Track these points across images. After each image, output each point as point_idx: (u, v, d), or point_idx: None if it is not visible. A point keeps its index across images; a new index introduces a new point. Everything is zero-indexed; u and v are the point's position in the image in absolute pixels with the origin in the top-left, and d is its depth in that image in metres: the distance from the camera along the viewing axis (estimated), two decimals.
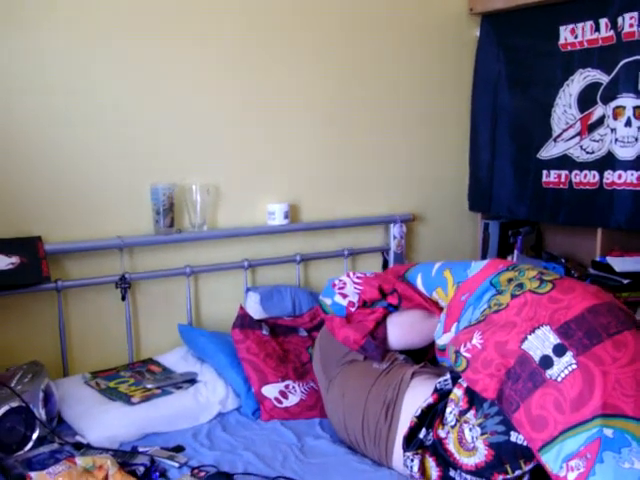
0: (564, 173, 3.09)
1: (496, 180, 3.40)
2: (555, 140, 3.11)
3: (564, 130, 3.07)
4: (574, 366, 1.62)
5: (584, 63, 2.96)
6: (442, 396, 1.90)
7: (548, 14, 3.08)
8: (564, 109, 3.06)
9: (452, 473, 1.77)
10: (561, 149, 3.10)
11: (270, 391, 2.34)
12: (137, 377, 2.44)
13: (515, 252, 3.43)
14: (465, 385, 1.83)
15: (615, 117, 2.87)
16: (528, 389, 1.67)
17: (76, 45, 2.42)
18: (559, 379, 1.63)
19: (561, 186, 3.11)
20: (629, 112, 2.82)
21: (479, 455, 1.72)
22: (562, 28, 3.03)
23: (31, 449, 1.97)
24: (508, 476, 1.71)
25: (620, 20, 2.81)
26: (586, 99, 2.97)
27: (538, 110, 3.17)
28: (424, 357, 2.29)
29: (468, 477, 1.74)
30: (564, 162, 3.09)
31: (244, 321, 2.51)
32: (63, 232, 2.45)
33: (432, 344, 2.25)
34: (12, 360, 2.27)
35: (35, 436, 1.99)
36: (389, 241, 3.25)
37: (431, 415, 1.87)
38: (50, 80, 2.39)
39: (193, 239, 2.71)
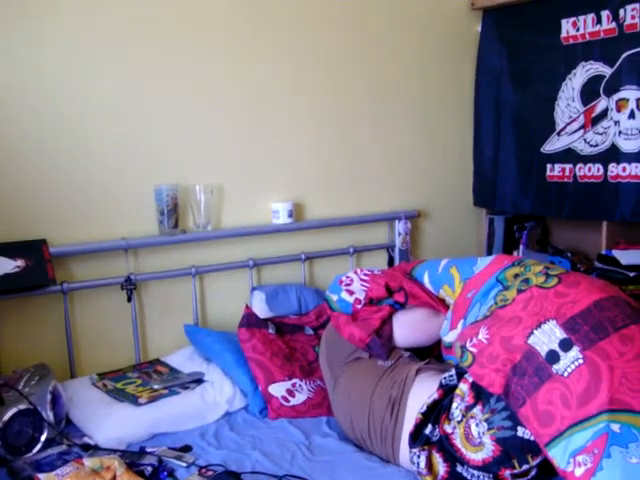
0: (568, 167, 3.08)
1: (500, 175, 3.39)
2: (559, 134, 3.10)
3: (568, 123, 3.06)
4: (580, 361, 1.63)
5: (586, 56, 2.95)
6: (447, 391, 1.90)
7: (549, 7, 3.07)
8: (567, 102, 3.05)
9: (459, 469, 1.77)
10: (565, 143, 3.09)
11: (277, 390, 2.34)
12: (144, 378, 2.44)
13: (521, 247, 3.43)
14: (471, 380, 1.83)
15: (618, 109, 2.86)
16: (534, 384, 1.67)
17: (78, 46, 2.43)
18: (565, 374, 1.63)
19: (565, 180, 3.09)
20: (632, 104, 2.81)
21: (486, 450, 1.72)
22: (564, 21, 3.01)
23: (39, 451, 1.98)
24: (515, 471, 1.71)
25: (622, 12, 2.80)
26: (589, 92, 2.96)
27: (541, 104, 3.16)
28: (429, 354, 2.29)
29: (475, 472, 1.74)
30: (568, 156, 3.08)
31: (250, 320, 2.51)
32: (68, 234, 2.45)
33: (438, 341, 2.25)
34: (19, 363, 2.28)
35: (43, 438, 2.00)
36: (394, 238, 3.24)
37: (437, 411, 1.87)
38: (53, 83, 2.40)
39: (198, 239, 2.72)
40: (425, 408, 1.89)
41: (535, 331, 1.74)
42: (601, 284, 1.87)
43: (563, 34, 3.03)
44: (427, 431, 1.85)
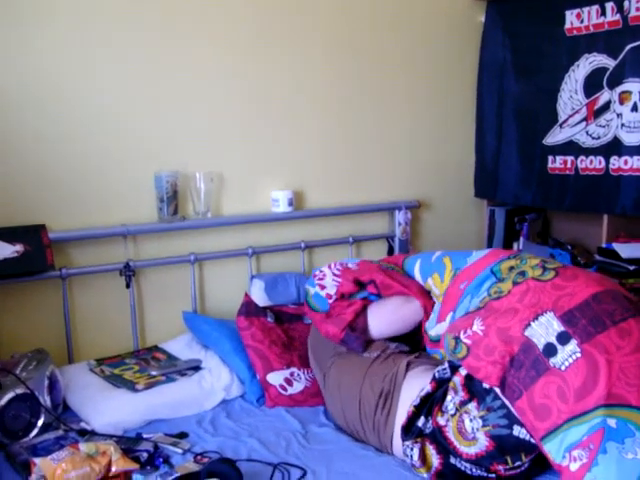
0: (570, 159, 3.07)
1: (502, 166, 3.38)
2: (561, 126, 3.09)
3: (570, 116, 3.05)
4: (578, 354, 1.62)
5: (590, 48, 2.93)
6: (440, 384, 1.90)
7: None
8: (570, 94, 3.03)
9: (453, 460, 1.77)
10: (567, 135, 3.08)
11: (275, 378, 2.34)
12: (142, 364, 2.45)
13: (521, 239, 3.42)
14: (464, 373, 1.82)
15: (621, 102, 2.84)
16: (531, 377, 1.66)
17: (79, 36, 2.42)
18: (563, 368, 1.62)
19: (567, 172, 3.08)
20: (635, 97, 2.79)
21: (479, 445, 1.72)
22: (568, 13, 2.99)
23: (36, 436, 1.99)
24: (507, 466, 1.71)
25: (626, 4, 2.77)
26: (592, 84, 2.94)
27: (544, 96, 3.14)
28: (418, 346, 2.27)
29: (468, 465, 1.75)
30: (570, 148, 3.06)
31: (249, 308, 2.51)
32: (67, 220, 2.46)
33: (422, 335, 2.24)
34: (17, 348, 2.29)
35: (40, 423, 2.01)
36: (394, 228, 3.24)
37: (429, 403, 1.87)
38: (54, 70, 2.39)
39: (197, 227, 2.72)
40: (418, 401, 1.88)
41: (532, 323, 1.72)
42: (599, 277, 1.87)
43: (567, 25, 3.01)
44: (420, 423, 1.85)
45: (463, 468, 1.76)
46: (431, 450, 1.81)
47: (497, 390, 1.74)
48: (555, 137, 3.13)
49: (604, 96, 2.91)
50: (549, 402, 1.61)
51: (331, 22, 2.98)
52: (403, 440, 1.86)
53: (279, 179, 2.93)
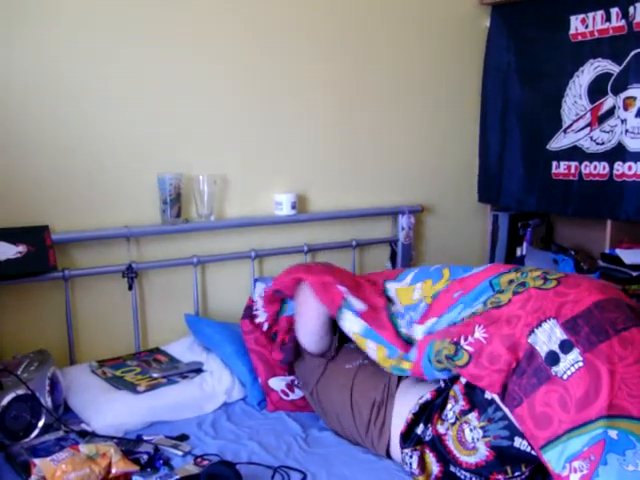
0: (574, 164, 3.07)
1: (505, 171, 3.38)
2: (565, 131, 3.09)
3: (574, 121, 3.05)
4: (580, 364, 1.60)
5: (595, 53, 2.93)
6: (440, 392, 1.88)
7: (558, 4, 3.05)
8: (574, 100, 3.03)
9: (452, 469, 1.76)
10: (571, 140, 3.07)
11: (277, 384, 2.34)
12: (143, 366, 2.45)
13: (524, 244, 3.42)
14: (464, 381, 1.80)
15: (626, 108, 2.84)
16: (532, 385, 1.64)
17: (84, 39, 2.42)
18: (565, 377, 1.60)
19: (571, 177, 3.08)
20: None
21: (479, 455, 1.71)
22: (572, 18, 2.99)
23: (37, 436, 1.99)
24: (507, 476, 1.70)
25: (632, 9, 2.77)
26: (596, 90, 2.94)
27: (548, 101, 3.15)
28: None
29: (467, 474, 1.74)
30: (574, 153, 3.06)
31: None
32: (70, 221, 2.46)
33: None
34: (19, 348, 2.29)
35: (41, 424, 2.01)
36: (397, 232, 3.24)
37: (428, 410, 1.86)
38: (58, 72, 2.39)
39: (200, 229, 2.71)
40: (417, 408, 1.87)
41: (536, 329, 1.69)
42: (602, 285, 1.84)
43: (572, 31, 3.01)
44: (419, 431, 1.84)
45: (462, 477, 1.75)
46: (431, 458, 1.80)
47: (496, 398, 1.72)
48: (559, 142, 3.12)
49: (608, 102, 2.91)
50: (550, 411, 1.60)
51: (333, 26, 2.98)
52: (402, 447, 1.85)
53: (282, 182, 2.93)
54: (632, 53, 2.80)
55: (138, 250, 2.61)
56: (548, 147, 3.17)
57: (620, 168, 2.88)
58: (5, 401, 1.94)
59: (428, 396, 1.89)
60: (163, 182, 2.56)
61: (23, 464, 1.80)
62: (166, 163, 2.62)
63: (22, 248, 2.28)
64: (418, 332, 2.02)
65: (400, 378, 2.02)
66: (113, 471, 1.71)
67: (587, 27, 2.95)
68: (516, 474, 1.70)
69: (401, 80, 3.21)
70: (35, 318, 2.43)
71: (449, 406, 1.81)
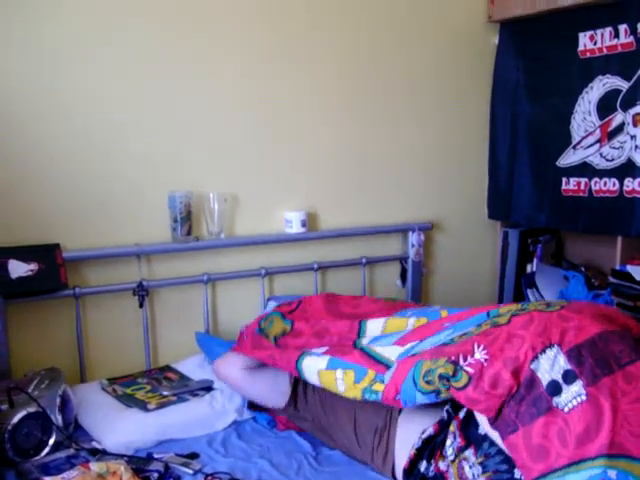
0: (584, 181, 3.06)
1: (515, 188, 3.38)
2: (574, 147, 3.09)
3: (583, 137, 3.05)
4: (583, 397, 1.53)
5: (603, 70, 2.94)
6: (443, 427, 1.83)
7: (567, 21, 3.06)
8: (583, 116, 3.03)
9: None
10: (580, 156, 3.07)
11: None
12: (154, 384, 2.45)
13: (535, 260, 3.41)
14: (461, 416, 1.75)
15: (635, 124, 2.84)
16: (531, 414, 1.57)
17: (94, 55, 2.45)
18: (566, 409, 1.54)
19: (581, 194, 3.08)
20: None
21: None
22: (581, 35, 3.00)
23: (48, 454, 1.98)
24: None
25: None
26: (606, 106, 2.94)
27: (557, 117, 3.15)
28: None
29: None
30: (584, 170, 3.06)
31: None
32: (81, 239, 2.47)
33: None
34: (30, 366, 2.29)
35: (52, 441, 2.00)
36: (407, 249, 3.23)
37: (431, 446, 1.81)
38: (67, 91, 2.42)
39: (210, 247, 2.72)
40: (420, 443, 1.83)
41: (540, 355, 1.61)
42: (606, 313, 1.77)
43: (580, 47, 3.02)
44: (422, 467, 1.80)
45: None
46: None
47: (485, 421, 1.65)
48: (569, 159, 3.12)
49: (618, 118, 2.91)
50: (547, 444, 1.53)
51: (344, 45, 3.00)
52: None
53: (292, 200, 2.94)
54: None
55: (149, 268, 2.61)
56: (558, 163, 3.17)
57: (630, 184, 2.88)
58: (16, 419, 1.93)
59: (431, 430, 1.83)
60: (174, 200, 2.57)
61: None
62: (177, 181, 2.64)
63: (33, 266, 2.29)
64: (395, 353, 1.92)
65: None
66: None
67: (596, 44, 2.96)
68: None
69: (410, 98, 3.22)
70: (46, 336, 2.44)
71: (448, 442, 1.76)
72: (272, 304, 2.76)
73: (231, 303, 2.83)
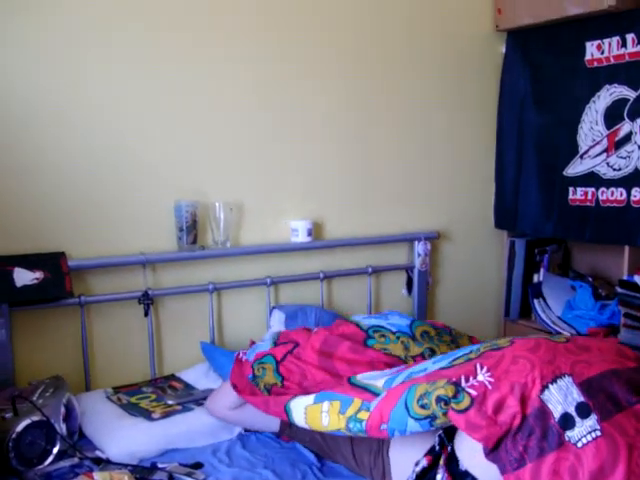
0: (591, 190, 3.05)
1: (522, 197, 3.36)
2: (581, 157, 3.08)
3: (590, 147, 3.03)
4: (598, 433, 1.44)
5: (611, 79, 2.92)
6: (436, 459, 1.72)
7: (574, 30, 3.06)
8: (590, 126, 3.02)
9: None
10: (587, 166, 3.06)
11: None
12: (159, 393, 2.44)
13: (541, 270, 3.39)
14: (449, 449, 1.66)
15: None
16: (541, 449, 1.47)
17: (99, 61, 2.45)
18: (579, 444, 1.44)
19: (587, 203, 3.06)
20: None
21: None
22: (588, 44, 3.00)
23: (51, 463, 1.97)
24: None
25: None
26: (613, 115, 2.93)
27: (564, 127, 3.14)
28: None
29: None
30: (590, 179, 3.05)
31: None
32: (87, 248, 2.47)
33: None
34: (34, 374, 2.30)
35: (56, 450, 2.00)
36: (414, 259, 3.22)
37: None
38: (72, 97, 2.42)
39: (216, 256, 2.72)
40: (414, 476, 1.74)
41: (550, 385, 1.52)
42: (612, 351, 1.70)
43: (588, 57, 3.01)
44: None
45: None
46: None
47: (478, 447, 1.53)
48: (575, 168, 3.11)
49: (625, 127, 2.89)
50: None
51: (350, 51, 3.00)
52: None
53: (298, 209, 2.94)
54: None
55: (154, 277, 2.61)
56: (564, 173, 3.16)
57: (637, 194, 2.86)
58: (20, 427, 1.93)
59: (424, 462, 1.73)
60: (179, 209, 2.57)
61: None
62: (182, 190, 2.64)
63: (39, 274, 2.30)
64: (378, 379, 1.86)
65: None
66: None
67: (603, 53, 2.95)
68: None
69: (417, 106, 3.22)
70: (51, 344, 2.44)
71: (438, 477, 1.67)
72: (277, 313, 2.75)
73: (236, 312, 2.82)
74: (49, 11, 2.34)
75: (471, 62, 3.37)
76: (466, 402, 1.55)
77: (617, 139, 2.93)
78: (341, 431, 1.76)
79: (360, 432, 1.72)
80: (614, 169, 2.95)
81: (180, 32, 2.59)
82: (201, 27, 2.64)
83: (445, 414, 1.57)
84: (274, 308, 2.83)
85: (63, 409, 2.09)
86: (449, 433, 1.70)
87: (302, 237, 2.87)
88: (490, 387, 1.55)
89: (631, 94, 2.86)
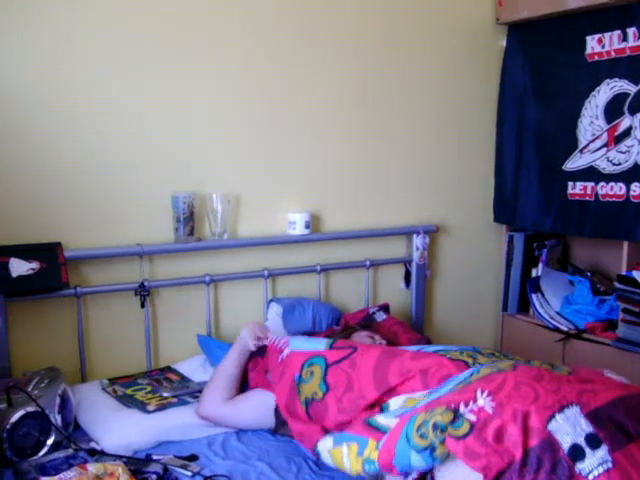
0: (590, 185, 3.04)
1: (521, 191, 3.35)
2: (581, 151, 3.06)
3: (590, 141, 3.02)
4: (610, 464, 1.40)
5: (611, 73, 2.91)
6: (423, 475, 1.64)
7: (575, 24, 3.04)
8: (590, 120, 3.01)
9: None
10: (587, 160, 3.05)
11: None
12: (154, 385, 2.44)
13: (540, 265, 3.38)
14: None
15: None
16: None
17: (98, 55, 2.44)
18: (590, 477, 1.40)
19: (587, 198, 3.05)
20: None
21: None
22: (589, 38, 2.98)
23: (46, 454, 1.97)
24: None
25: None
26: (613, 110, 2.92)
27: (564, 121, 3.12)
28: None
29: None
30: (590, 174, 3.04)
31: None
32: (83, 239, 2.46)
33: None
34: (30, 365, 2.29)
35: (50, 441, 2.00)
36: (412, 252, 3.21)
37: None
38: (71, 89, 2.41)
39: (213, 248, 2.71)
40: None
41: (558, 415, 1.47)
42: (615, 382, 1.68)
43: (588, 51, 3.00)
44: None
45: None
46: None
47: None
48: (575, 163, 3.10)
49: (625, 122, 2.88)
50: None
51: (349, 47, 2.98)
52: None
53: (296, 201, 2.93)
54: None
55: (151, 268, 2.60)
56: (564, 167, 3.14)
57: (637, 189, 2.85)
58: (15, 418, 1.92)
59: (414, 475, 1.64)
60: (176, 201, 2.56)
61: None
62: (180, 182, 2.62)
63: (35, 265, 2.28)
64: (391, 417, 1.79)
65: None
66: None
67: (604, 47, 2.93)
68: None
69: (417, 99, 3.20)
70: (46, 335, 2.43)
71: None
72: (274, 306, 2.74)
73: (233, 304, 2.81)
74: (49, 11, 2.33)
75: (471, 55, 3.35)
76: (465, 428, 1.50)
77: (617, 134, 2.91)
78: (359, 474, 1.72)
79: (376, 471, 1.67)
80: (614, 164, 2.94)
81: (178, 28, 2.58)
82: (198, 20, 2.62)
83: (443, 442, 1.52)
84: (271, 301, 2.82)
85: (58, 400, 2.08)
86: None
87: (300, 230, 2.86)
88: (491, 412, 1.51)
89: (632, 88, 2.84)
